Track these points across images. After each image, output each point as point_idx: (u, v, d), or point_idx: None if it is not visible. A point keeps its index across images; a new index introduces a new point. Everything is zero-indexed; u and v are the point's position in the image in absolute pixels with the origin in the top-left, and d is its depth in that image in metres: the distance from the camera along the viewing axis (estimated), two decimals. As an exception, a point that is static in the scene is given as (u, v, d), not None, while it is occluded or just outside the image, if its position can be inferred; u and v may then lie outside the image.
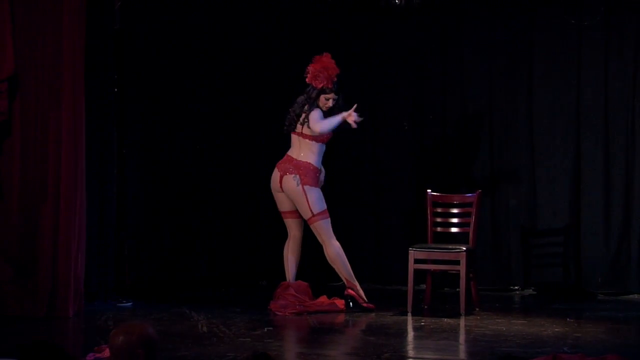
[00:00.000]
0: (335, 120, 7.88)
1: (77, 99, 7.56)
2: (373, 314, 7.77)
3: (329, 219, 7.99)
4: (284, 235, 9.75)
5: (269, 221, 9.64)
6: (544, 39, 9.14)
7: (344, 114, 7.84)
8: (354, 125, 7.85)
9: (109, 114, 8.27)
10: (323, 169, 8.13)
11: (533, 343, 6.58)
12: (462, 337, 7.03)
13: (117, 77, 8.35)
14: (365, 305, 7.95)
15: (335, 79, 8.01)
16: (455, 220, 8.26)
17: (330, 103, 8.05)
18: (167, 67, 8.85)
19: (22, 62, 7.49)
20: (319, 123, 7.89)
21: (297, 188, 7.95)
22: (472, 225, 8.09)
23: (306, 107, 7.99)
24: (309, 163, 7.98)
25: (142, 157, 8.73)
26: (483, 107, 9.30)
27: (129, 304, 8.13)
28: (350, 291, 8.00)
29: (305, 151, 8.01)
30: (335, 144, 8.34)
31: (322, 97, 8.03)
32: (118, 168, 8.38)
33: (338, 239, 8.05)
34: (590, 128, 9.02)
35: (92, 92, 7.88)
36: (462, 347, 6.81)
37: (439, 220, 8.27)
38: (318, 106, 8.00)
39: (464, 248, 7.88)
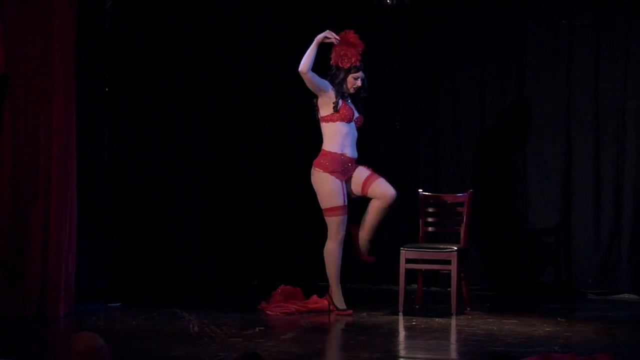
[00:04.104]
0: (309, 50, 7.53)
1: (67, 98, 7.55)
2: (364, 314, 7.76)
3: (336, 218, 7.65)
4: (274, 234, 9.77)
5: (260, 221, 9.64)
6: (534, 39, 9.15)
7: (318, 37, 7.49)
8: (335, 40, 7.53)
9: (99, 113, 8.26)
10: (348, 154, 7.70)
11: (524, 343, 6.59)
12: (453, 337, 7.03)
13: (108, 76, 8.33)
14: (336, 312, 7.74)
15: (360, 57, 7.70)
16: (446, 220, 8.26)
17: (359, 82, 7.72)
18: (158, 66, 8.84)
19: (12, 61, 7.47)
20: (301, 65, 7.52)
21: (313, 180, 7.75)
22: (463, 225, 8.09)
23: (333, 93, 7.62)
24: (323, 149, 7.71)
25: (133, 157, 8.71)
26: (474, 107, 9.31)
27: (120, 303, 8.11)
28: (328, 296, 7.88)
29: (324, 137, 7.75)
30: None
31: (351, 77, 7.70)
32: (109, 167, 8.36)
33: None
34: (581, 128, 9.04)
35: (83, 91, 7.86)
36: (453, 347, 6.81)
37: (430, 220, 8.27)
38: (344, 89, 7.65)
39: (455, 248, 7.88)
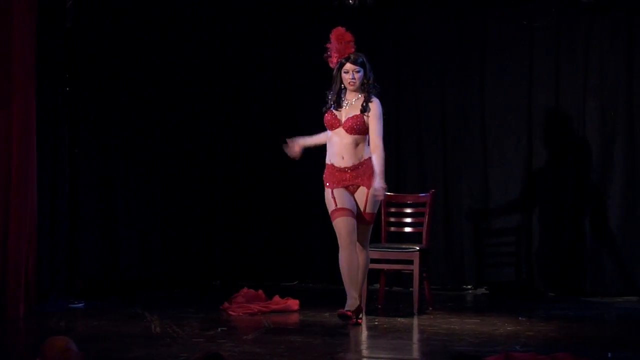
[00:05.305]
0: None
1: (28, 98, 7.49)
2: (327, 314, 7.76)
3: (334, 222, 7.23)
4: (236, 236, 9.76)
5: (223, 222, 9.63)
6: (496, 40, 9.21)
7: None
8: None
9: (60, 112, 8.21)
10: (335, 164, 7.30)
11: (486, 342, 6.61)
12: (415, 337, 7.05)
13: (69, 75, 8.29)
14: (342, 312, 7.22)
15: (352, 50, 7.22)
16: (408, 220, 8.29)
17: (350, 76, 7.15)
18: (119, 65, 8.80)
19: (-29, 61, 7.41)
20: None
21: None
22: (425, 225, 8.11)
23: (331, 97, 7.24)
24: None
25: (94, 156, 8.67)
26: (436, 108, 9.35)
27: (81, 304, 8.07)
28: None
29: None
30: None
31: (342, 72, 7.21)
32: (70, 167, 8.32)
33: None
34: (542, 128, 9.10)
35: (44, 91, 7.82)
36: (415, 347, 6.83)
37: (392, 220, 8.29)
38: (341, 86, 7.18)
39: (417, 248, 7.90)
